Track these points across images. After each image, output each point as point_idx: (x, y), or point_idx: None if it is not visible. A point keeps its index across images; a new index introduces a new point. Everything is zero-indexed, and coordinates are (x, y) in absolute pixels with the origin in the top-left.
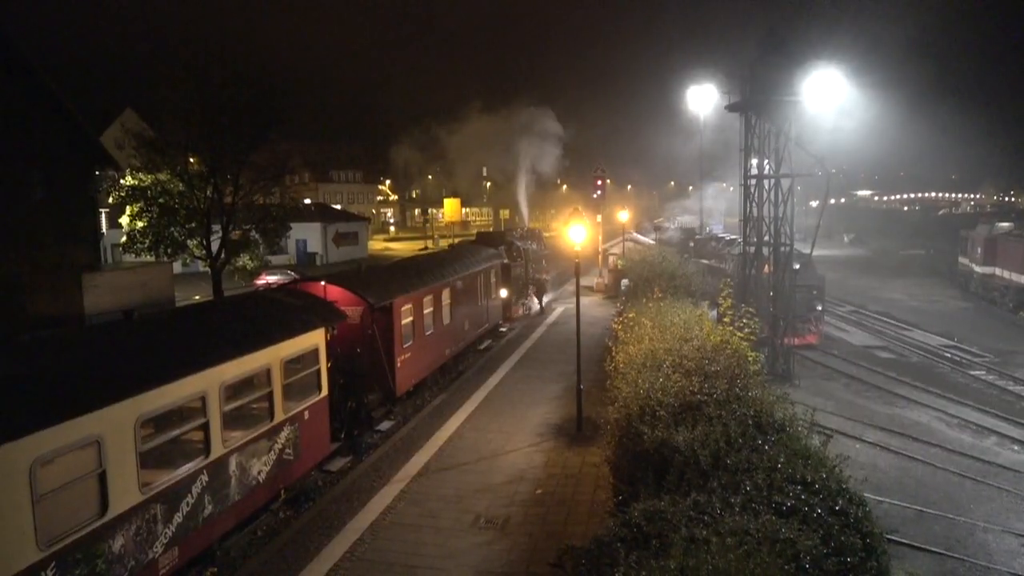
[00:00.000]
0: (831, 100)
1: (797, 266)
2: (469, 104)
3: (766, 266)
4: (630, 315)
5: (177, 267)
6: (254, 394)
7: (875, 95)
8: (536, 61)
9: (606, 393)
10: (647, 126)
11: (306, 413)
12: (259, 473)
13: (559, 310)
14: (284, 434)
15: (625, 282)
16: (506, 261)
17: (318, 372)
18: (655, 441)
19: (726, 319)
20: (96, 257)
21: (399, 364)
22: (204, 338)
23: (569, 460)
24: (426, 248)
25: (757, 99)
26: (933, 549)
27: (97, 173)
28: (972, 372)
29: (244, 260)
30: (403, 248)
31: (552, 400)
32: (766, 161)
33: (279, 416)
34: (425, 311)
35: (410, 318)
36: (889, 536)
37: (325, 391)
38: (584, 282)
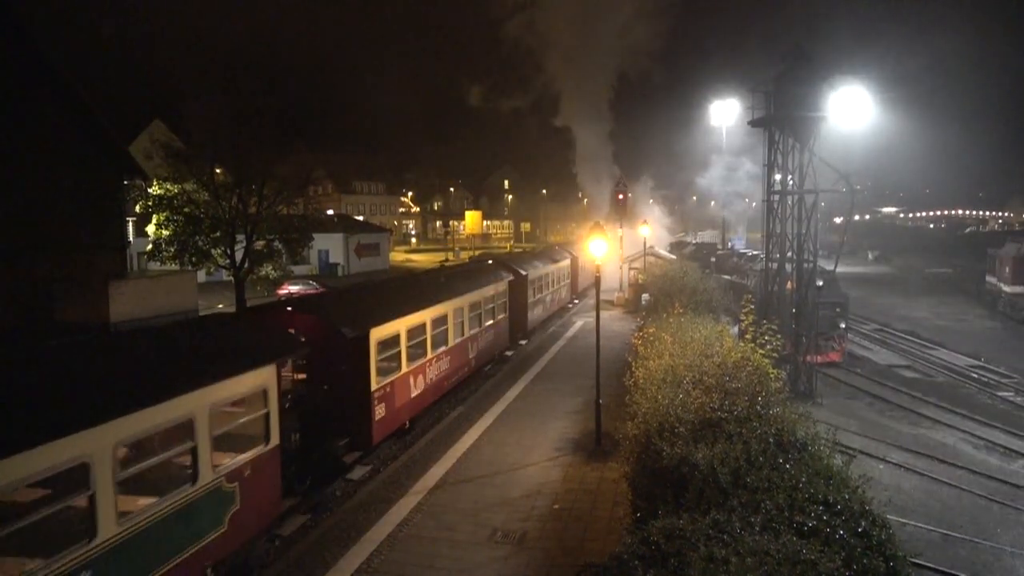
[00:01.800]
0: (857, 116)
1: (820, 283)
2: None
3: (789, 282)
4: (650, 330)
5: (201, 276)
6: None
7: (902, 111)
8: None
9: (625, 408)
10: (670, 140)
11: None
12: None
13: (578, 324)
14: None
15: (646, 297)
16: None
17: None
18: (674, 458)
19: (748, 335)
20: (123, 265)
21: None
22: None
23: (587, 475)
24: (447, 260)
25: (781, 114)
26: (959, 574)
27: (125, 183)
28: (1000, 393)
29: (267, 270)
30: (424, 260)
31: (571, 414)
32: (789, 177)
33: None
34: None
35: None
36: (913, 560)
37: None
38: (604, 296)
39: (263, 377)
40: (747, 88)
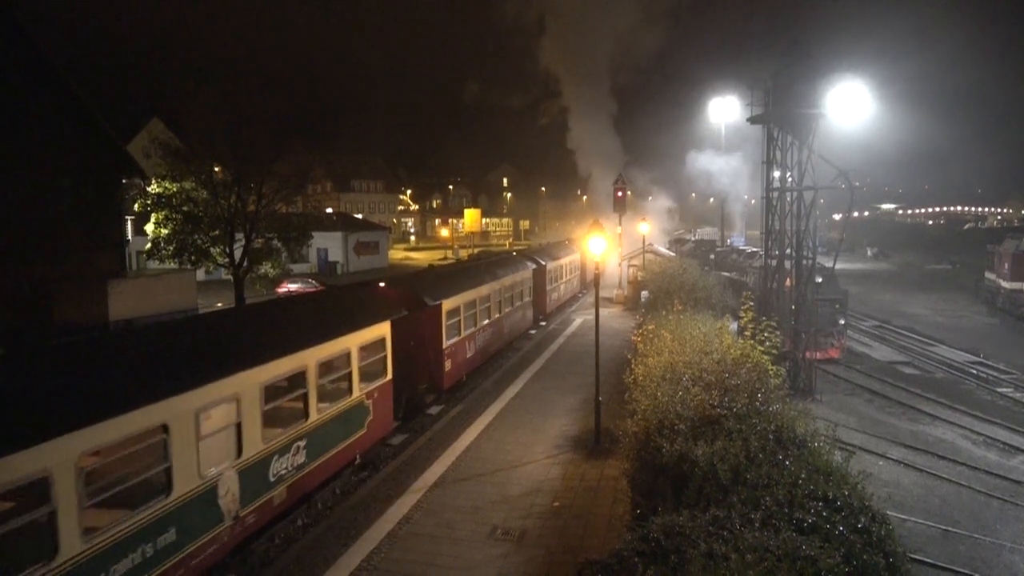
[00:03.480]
0: (855, 113)
1: (819, 279)
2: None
3: (788, 279)
4: (650, 327)
5: (200, 274)
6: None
7: (901, 108)
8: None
9: (625, 405)
10: (668, 138)
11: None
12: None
13: (578, 321)
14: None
15: (645, 294)
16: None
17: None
18: (674, 455)
19: (747, 332)
20: (122, 264)
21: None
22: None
23: (587, 473)
24: (446, 258)
25: (779, 111)
26: (958, 570)
27: (124, 181)
28: (999, 389)
29: (266, 268)
30: (423, 257)
31: (570, 412)
32: (788, 173)
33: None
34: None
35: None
36: (913, 556)
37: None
38: (603, 293)
39: (383, 329)
40: (746, 85)
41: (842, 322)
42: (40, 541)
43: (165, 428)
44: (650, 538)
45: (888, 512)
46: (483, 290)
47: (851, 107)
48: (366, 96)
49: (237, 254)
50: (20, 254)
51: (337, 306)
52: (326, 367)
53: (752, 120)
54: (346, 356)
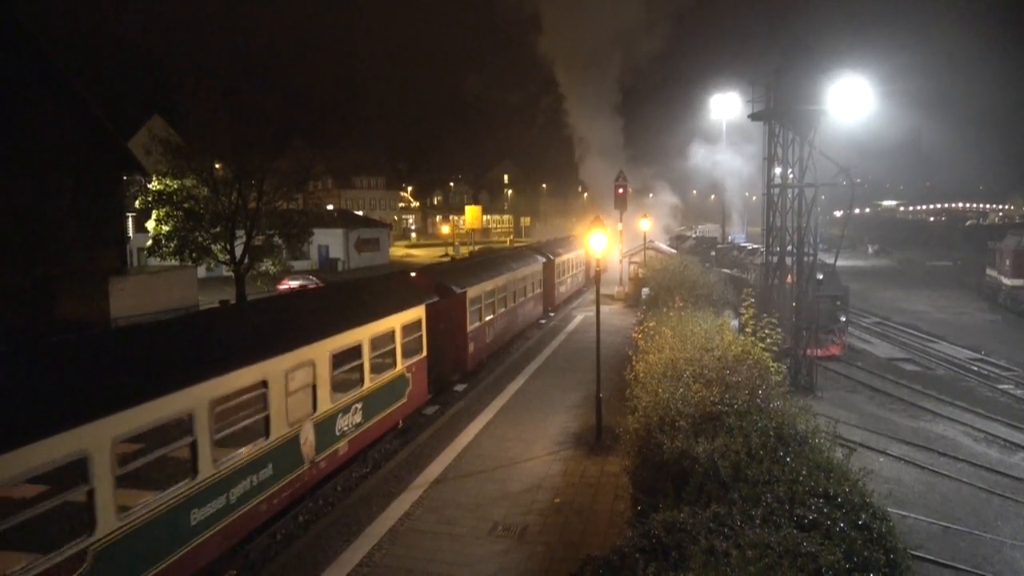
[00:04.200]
0: (856, 109)
1: (820, 276)
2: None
3: (789, 276)
4: (650, 324)
5: (201, 271)
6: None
7: (902, 104)
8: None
9: (626, 402)
10: (669, 134)
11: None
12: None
13: (579, 318)
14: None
15: (646, 291)
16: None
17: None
18: (675, 452)
19: (748, 329)
20: (123, 261)
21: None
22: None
23: (588, 469)
24: (447, 255)
25: (780, 107)
26: (959, 566)
27: (125, 178)
28: (1000, 386)
29: (267, 265)
30: (424, 254)
31: (571, 409)
32: (789, 170)
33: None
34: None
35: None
36: (913, 552)
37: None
38: (604, 290)
39: (419, 312)
40: (747, 81)
41: (843, 319)
42: (184, 465)
43: (265, 383)
44: (651, 535)
45: (889, 509)
46: (500, 281)
47: (852, 103)
48: (367, 93)
49: (238, 251)
50: (21, 251)
51: (383, 291)
52: (376, 342)
53: (753, 117)
54: (391, 334)
